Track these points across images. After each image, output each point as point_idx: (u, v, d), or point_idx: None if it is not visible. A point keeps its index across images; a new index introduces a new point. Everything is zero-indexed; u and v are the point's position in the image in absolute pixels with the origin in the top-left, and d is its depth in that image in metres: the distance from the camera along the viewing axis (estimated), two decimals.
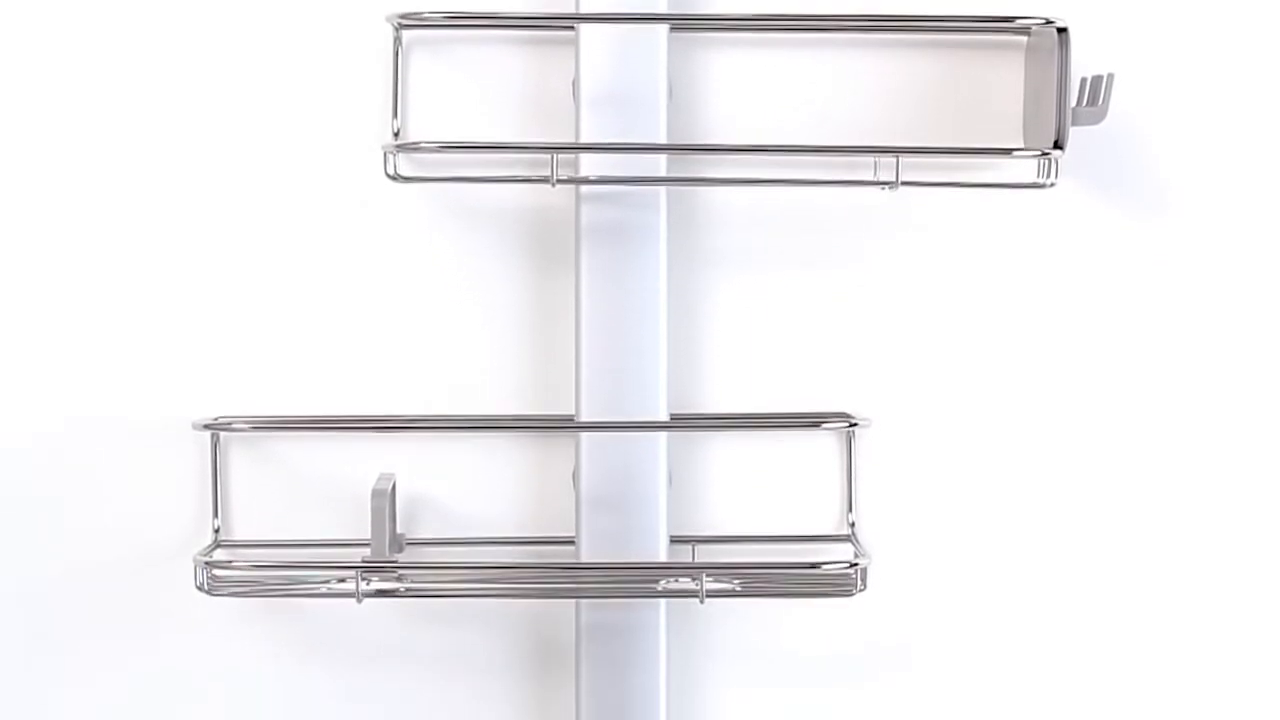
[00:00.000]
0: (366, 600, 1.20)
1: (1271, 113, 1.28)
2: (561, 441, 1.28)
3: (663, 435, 1.25)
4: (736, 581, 1.22)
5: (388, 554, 1.19)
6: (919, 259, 1.28)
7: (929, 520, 1.30)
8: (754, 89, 1.26)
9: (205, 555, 1.23)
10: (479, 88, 1.26)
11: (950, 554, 1.30)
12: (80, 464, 1.28)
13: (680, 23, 1.23)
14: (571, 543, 1.26)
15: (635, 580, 1.23)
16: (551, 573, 1.25)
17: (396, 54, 1.24)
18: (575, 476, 1.26)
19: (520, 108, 1.26)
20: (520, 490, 1.29)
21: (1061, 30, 1.17)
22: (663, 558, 1.26)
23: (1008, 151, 1.22)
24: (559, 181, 1.19)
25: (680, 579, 1.22)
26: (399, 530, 1.25)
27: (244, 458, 1.28)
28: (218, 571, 1.21)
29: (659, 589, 1.23)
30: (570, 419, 1.26)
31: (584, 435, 1.25)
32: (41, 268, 1.27)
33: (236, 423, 1.26)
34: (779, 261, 1.27)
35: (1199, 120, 1.27)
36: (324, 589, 1.21)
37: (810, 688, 1.31)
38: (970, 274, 1.28)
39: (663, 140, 1.23)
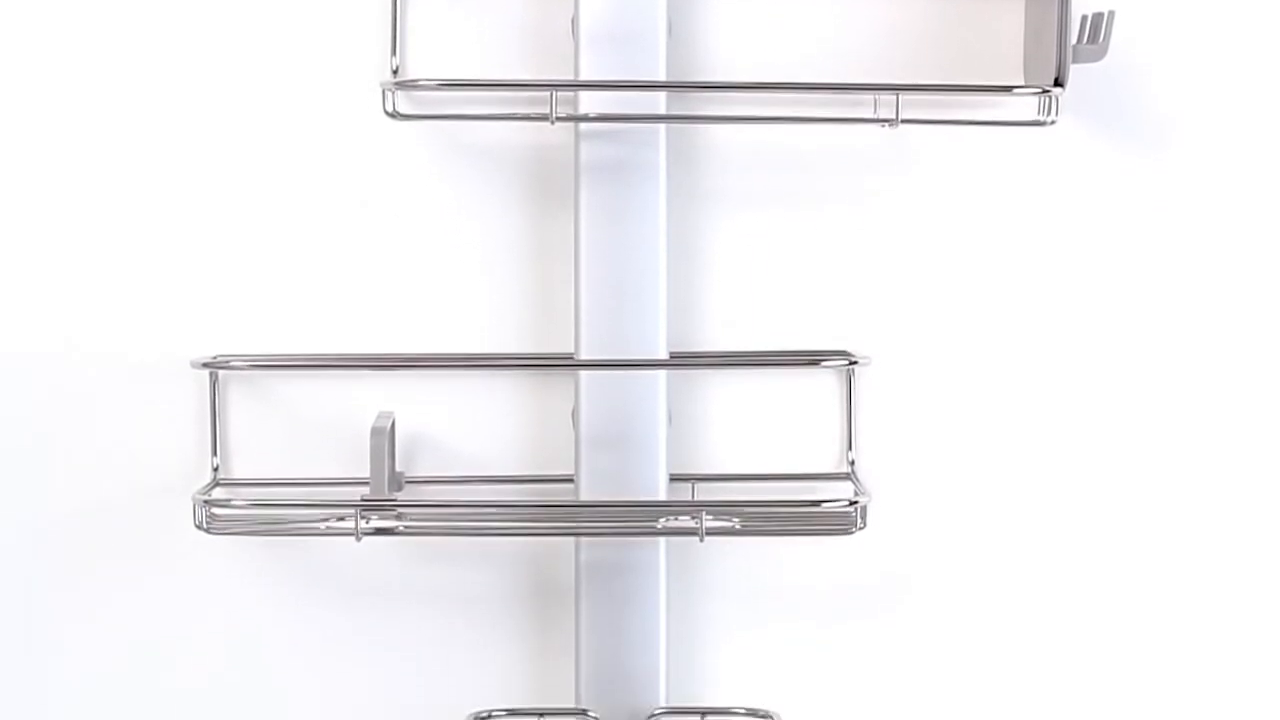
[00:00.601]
0: (365, 539, 1.20)
1: (1270, 49, 1.27)
2: (561, 380, 1.28)
3: (662, 373, 1.25)
4: (736, 519, 1.22)
5: (387, 492, 1.19)
6: (919, 197, 1.28)
7: (928, 458, 1.30)
8: (754, 26, 1.26)
9: (204, 494, 1.23)
10: (478, 25, 1.25)
11: (949, 491, 1.30)
12: (79, 402, 1.27)
13: None
14: (571, 481, 1.26)
15: (635, 518, 1.23)
16: (551, 511, 1.25)
17: None
18: (575, 415, 1.26)
19: (519, 45, 1.25)
20: (519, 429, 1.29)
21: None
22: (662, 496, 1.26)
23: (1008, 89, 1.22)
24: (558, 119, 1.18)
25: (680, 517, 1.22)
26: (398, 469, 1.25)
27: (243, 396, 1.28)
28: (217, 510, 1.21)
29: (658, 527, 1.23)
30: (569, 357, 1.26)
31: (583, 373, 1.25)
32: (41, 208, 1.26)
33: (235, 361, 1.26)
34: (779, 199, 1.27)
35: (1199, 57, 1.27)
36: (323, 527, 1.21)
37: (809, 625, 1.31)
38: (970, 212, 1.28)
39: (662, 78, 1.23)
